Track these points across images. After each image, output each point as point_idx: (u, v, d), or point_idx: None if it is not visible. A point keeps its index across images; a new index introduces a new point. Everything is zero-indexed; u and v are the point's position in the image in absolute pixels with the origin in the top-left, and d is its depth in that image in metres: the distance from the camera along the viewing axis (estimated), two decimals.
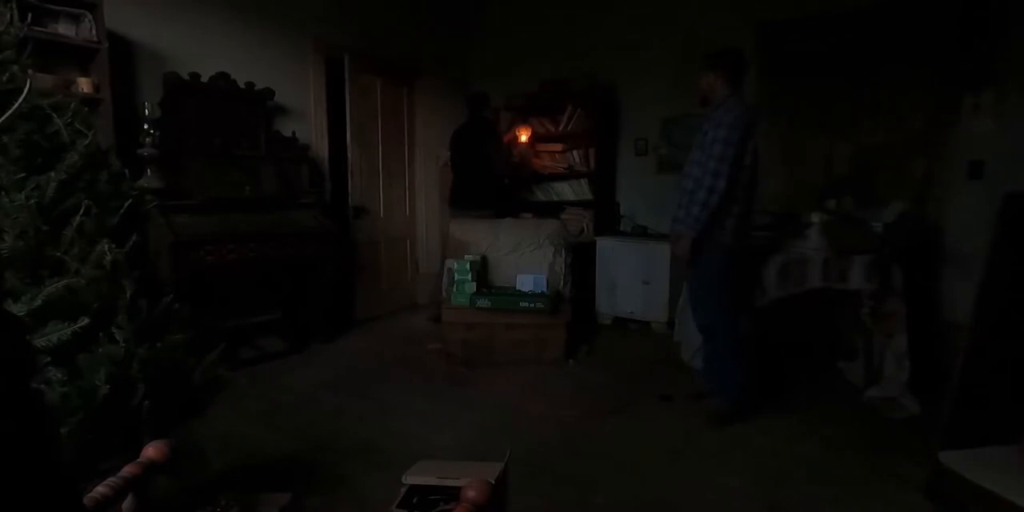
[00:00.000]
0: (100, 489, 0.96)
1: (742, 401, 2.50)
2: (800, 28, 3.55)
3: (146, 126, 2.82)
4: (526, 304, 3.23)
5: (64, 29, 2.60)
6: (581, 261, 3.79)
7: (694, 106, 2.62)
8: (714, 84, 2.42)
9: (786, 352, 3.24)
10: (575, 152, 4.53)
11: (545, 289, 3.36)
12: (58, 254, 1.35)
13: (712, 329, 2.53)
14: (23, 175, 1.34)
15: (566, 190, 4.60)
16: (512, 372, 3.12)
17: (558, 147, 4.66)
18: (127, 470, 1.04)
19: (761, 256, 2.74)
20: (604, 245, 4.16)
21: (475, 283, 3.33)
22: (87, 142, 1.48)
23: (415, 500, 1.25)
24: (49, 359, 1.27)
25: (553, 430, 2.40)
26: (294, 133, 3.63)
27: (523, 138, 4.57)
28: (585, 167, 4.46)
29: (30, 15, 2.02)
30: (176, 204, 2.86)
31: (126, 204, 1.55)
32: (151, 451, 1.09)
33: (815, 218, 2.78)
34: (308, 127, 3.86)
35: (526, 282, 3.40)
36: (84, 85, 2.62)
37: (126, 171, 1.64)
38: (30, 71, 1.45)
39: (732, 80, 2.40)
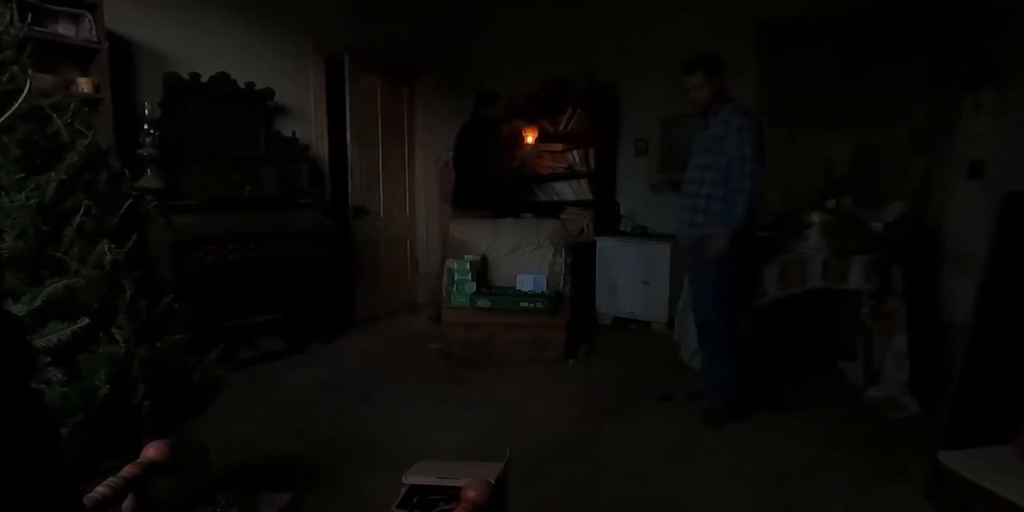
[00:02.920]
0: (100, 489, 0.96)
1: (739, 400, 2.50)
2: (800, 28, 3.55)
3: (146, 126, 2.82)
4: (526, 304, 3.23)
5: (64, 29, 2.60)
6: (581, 261, 3.79)
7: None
8: (715, 89, 2.42)
9: (786, 352, 3.24)
10: (575, 152, 4.53)
11: (545, 289, 3.36)
12: (58, 254, 1.35)
13: (711, 326, 2.53)
14: (23, 175, 1.34)
15: (566, 190, 4.60)
16: (512, 372, 3.12)
17: (558, 147, 4.66)
18: (127, 470, 1.03)
19: (761, 256, 2.74)
20: (604, 245, 4.16)
21: (475, 283, 3.33)
22: (87, 142, 1.48)
23: (415, 500, 1.25)
24: (49, 359, 1.27)
25: (553, 430, 2.40)
26: (294, 133, 3.63)
27: (529, 139, 4.54)
28: (585, 167, 4.46)
29: (30, 15, 2.02)
30: (176, 204, 2.86)
31: (126, 204, 1.55)
32: (151, 451, 1.09)
33: (815, 218, 2.78)
34: (308, 127, 3.86)
35: (526, 282, 3.40)
36: (84, 85, 2.62)
37: (126, 171, 1.64)
38: (30, 71, 1.45)
39: (726, 84, 2.44)
